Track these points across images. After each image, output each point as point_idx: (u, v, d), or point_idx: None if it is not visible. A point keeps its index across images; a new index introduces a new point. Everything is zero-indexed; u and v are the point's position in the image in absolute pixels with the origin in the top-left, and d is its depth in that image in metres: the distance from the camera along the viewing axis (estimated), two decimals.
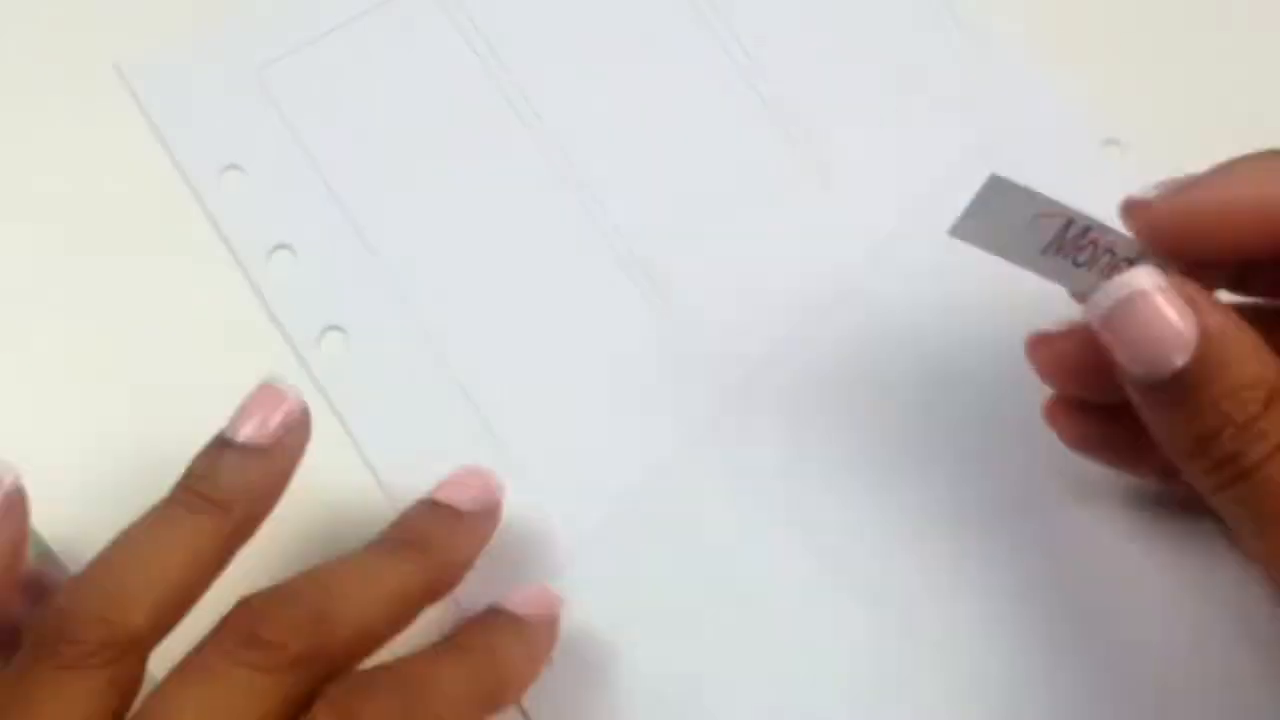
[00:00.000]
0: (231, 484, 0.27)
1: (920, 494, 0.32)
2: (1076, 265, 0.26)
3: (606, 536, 0.32)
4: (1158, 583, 0.32)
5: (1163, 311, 0.24)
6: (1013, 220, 0.25)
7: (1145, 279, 0.25)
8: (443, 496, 0.30)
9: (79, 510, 0.31)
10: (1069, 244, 0.25)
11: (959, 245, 0.25)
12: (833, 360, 0.33)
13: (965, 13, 0.36)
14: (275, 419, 0.28)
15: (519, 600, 0.29)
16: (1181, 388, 0.24)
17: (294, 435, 0.28)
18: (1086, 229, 0.25)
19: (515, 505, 0.32)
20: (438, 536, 0.29)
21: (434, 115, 0.35)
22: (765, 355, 0.33)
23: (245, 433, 0.27)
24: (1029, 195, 0.25)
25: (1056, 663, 0.31)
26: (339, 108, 0.35)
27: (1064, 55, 0.36)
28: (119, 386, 0.33)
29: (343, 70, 0.35)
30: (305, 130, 0.35)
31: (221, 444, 0.27)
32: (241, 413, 0.28)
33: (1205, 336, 0.24)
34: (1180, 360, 0.24)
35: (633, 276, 0.34)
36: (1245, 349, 0.24)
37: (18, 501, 0.27)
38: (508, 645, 0.29)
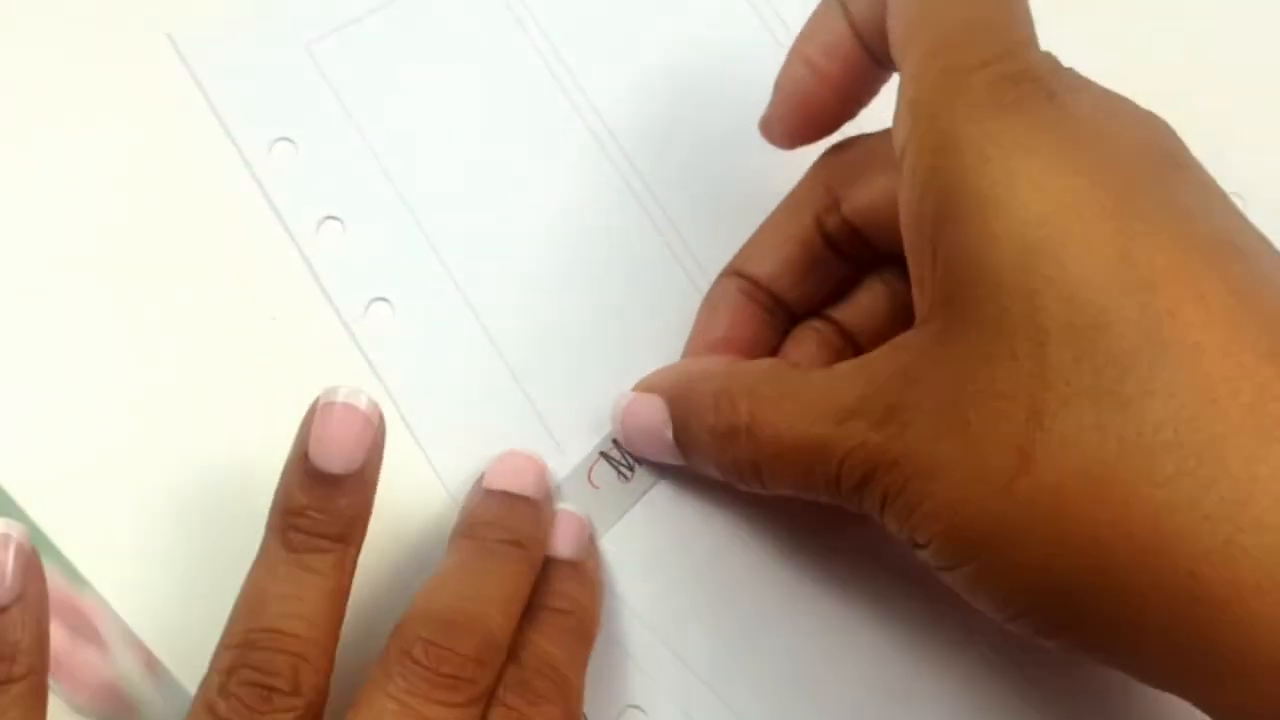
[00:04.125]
0: (338, 519, 0.27)
1: None
2: None
3: (642, 516, 0.33)
4: None
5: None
6: None
7: None
8: (515, 487, 0.30)
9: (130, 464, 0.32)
10: None
11: None
12: None
13: None
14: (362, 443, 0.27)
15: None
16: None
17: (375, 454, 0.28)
18: None
19: (554, 481, 0.32)
20: (527, 531, 0.30)
21: (481, 90, 0.35)
22: None
23: (336, 464, 0.27)
24: None
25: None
26: (388, 82, 0.35)
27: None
28: (166, 355, 0.33)
29: (392, 45, 0.35)
30: (355, 104, 0.35)
31: (316, 479, 0.27)
32: (328, 442, 0.27)
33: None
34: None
35: (679, 257, 0.34)
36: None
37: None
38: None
